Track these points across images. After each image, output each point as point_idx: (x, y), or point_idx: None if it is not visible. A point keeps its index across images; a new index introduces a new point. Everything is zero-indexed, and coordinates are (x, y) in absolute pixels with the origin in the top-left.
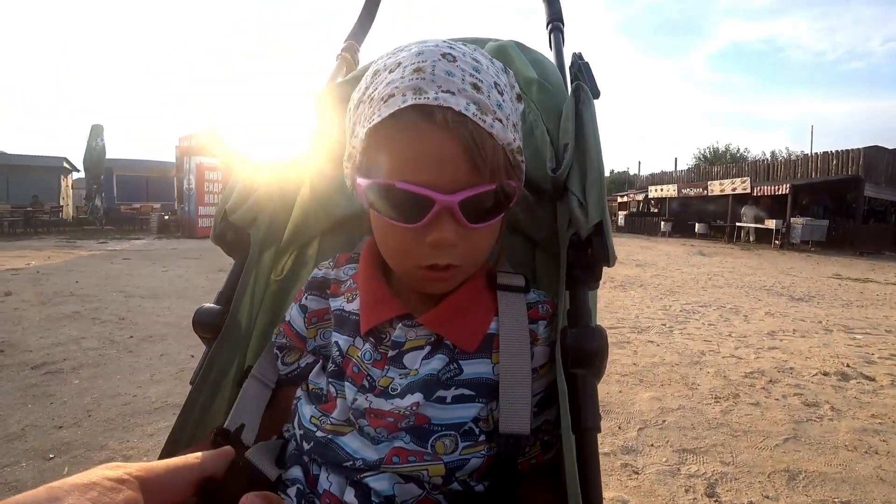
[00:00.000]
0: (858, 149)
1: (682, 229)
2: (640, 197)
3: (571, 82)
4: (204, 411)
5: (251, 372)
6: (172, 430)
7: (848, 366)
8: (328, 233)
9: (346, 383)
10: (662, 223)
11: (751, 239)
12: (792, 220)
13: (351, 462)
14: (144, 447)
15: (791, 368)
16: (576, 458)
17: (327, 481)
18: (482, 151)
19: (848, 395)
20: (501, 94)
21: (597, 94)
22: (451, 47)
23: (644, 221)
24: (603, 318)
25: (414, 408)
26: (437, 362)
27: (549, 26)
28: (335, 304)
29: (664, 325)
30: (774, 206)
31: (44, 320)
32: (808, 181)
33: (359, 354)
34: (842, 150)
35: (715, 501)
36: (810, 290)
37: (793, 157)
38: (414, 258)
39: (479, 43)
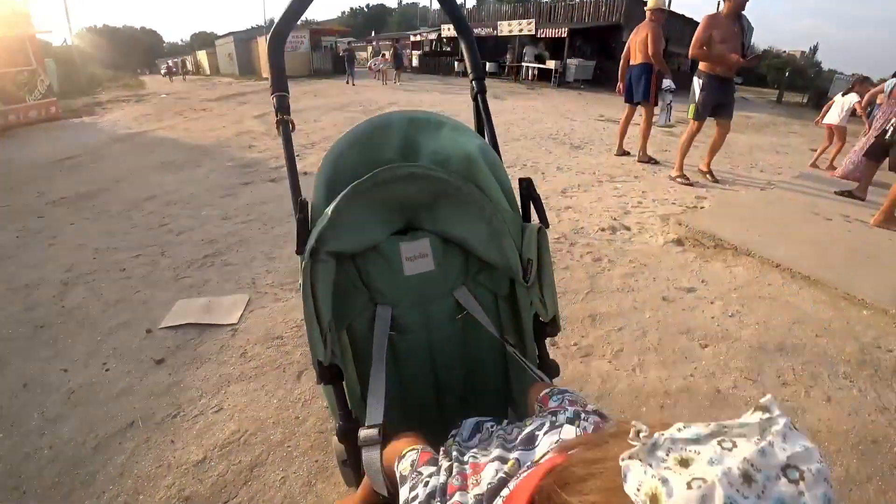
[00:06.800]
0: None
1: None
2: (434, 36)
3: (522, 201)
4: None
5: None
6: None
7: (614, 219)
8: None
9: None
10: (457, 63)
11: (530, 77)
12: (567, 60)
13: None
14: None
15: (582, 228)
16: None
17: None
18: None
19: (616, 245)
20: None
21: (548, 226)
22: None
23: (438, 62)
24: None
25: None
26: None
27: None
28: None
29: None
30: (554, 47)
31: None
32: (582, 25)
33: None
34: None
35: (554, 345)
36: (583, 136)
37: (570, 3)
38: None
39: (437, 124)
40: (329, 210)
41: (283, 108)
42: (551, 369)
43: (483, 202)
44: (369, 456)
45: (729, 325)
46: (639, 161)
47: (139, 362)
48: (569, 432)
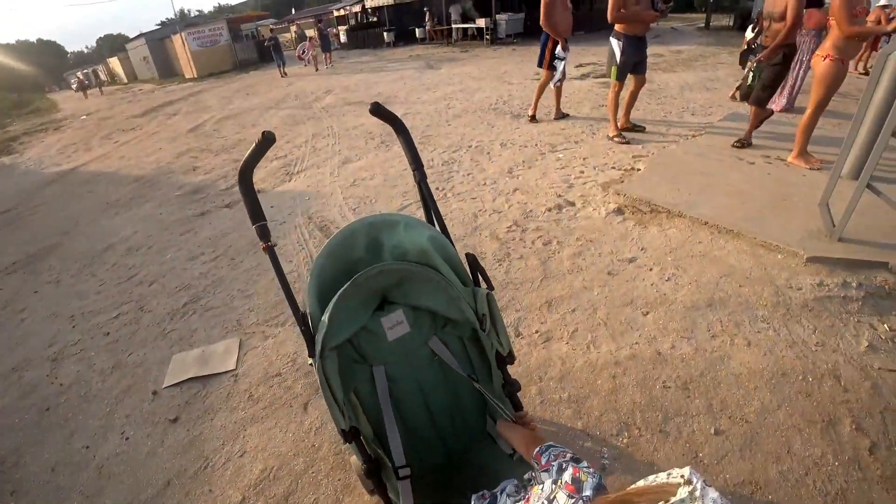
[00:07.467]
0: None
1: (404, 36)
2: (357, 8)
3: (471, 270)
4: None
5: None
6: None
7: (559, 195)
8: None
9: None
10: (385, 33)
11: (459, 37)
12: (497, 16)
13: None
14: None
15: (531, 211)
16: None
17: None
18: None
19: (563, 224)
20: None
21: (492, 289)
22: None
23: (367, 34)
24: (372, 207)
25: None
26: None
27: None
28: None
29: (436, 188)
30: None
31: None
32: None
33: None
34: None
35: (518, 336)
36: (522, 102)
37: None
38: None
39: (392, 223)
40: (325, 318)
41: (265, 236)
42: (514, 386)
43: (438, 278)
44: (405, 489)
45: (666, 290)
46: (529, 118)
47: (155, 425)
48: (562, 500)
